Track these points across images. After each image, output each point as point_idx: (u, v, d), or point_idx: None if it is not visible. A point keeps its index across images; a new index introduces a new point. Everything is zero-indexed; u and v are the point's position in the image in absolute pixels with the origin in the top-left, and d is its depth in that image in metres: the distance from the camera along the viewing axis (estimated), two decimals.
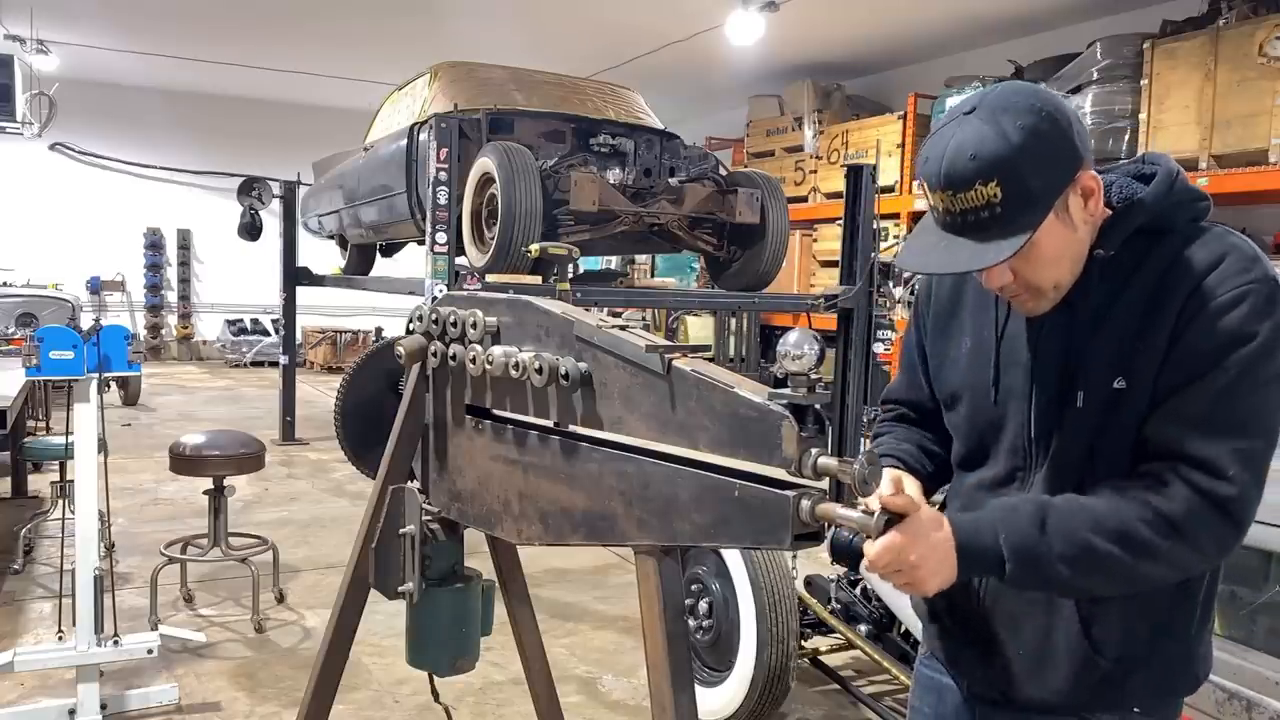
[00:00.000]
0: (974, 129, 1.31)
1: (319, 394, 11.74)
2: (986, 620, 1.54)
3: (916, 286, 1.75)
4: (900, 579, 1.33)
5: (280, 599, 4.77)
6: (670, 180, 5.87)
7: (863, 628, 3.70)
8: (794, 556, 3.42)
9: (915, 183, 8.29)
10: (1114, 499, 1.35)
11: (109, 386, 3.94)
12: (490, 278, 5.38)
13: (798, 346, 1.26)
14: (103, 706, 3.43)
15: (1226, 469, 1.31)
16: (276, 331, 12.90)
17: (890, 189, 8.36)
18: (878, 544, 1.29)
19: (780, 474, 1.29)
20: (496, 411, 1.83)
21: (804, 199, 9.48)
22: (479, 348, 1.79)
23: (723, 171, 6.28)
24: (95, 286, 13.29)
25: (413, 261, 7.43)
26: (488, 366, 1.74)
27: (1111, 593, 1.41)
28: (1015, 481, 1.51)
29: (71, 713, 3.39)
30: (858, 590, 3.87)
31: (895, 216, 8.25)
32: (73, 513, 3.79)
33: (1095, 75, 6.72)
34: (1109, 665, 1.44)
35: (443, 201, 5.54)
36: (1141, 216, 1.41)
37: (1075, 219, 1.37)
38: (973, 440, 1.58)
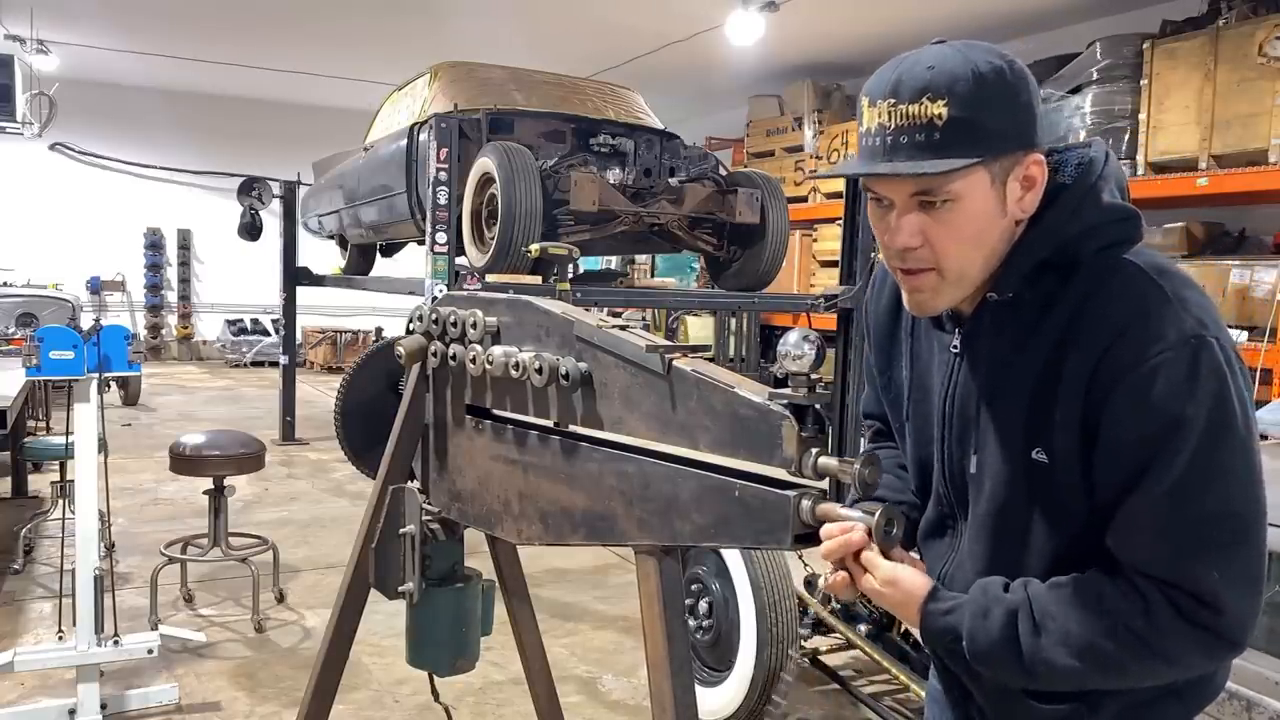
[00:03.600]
0: (938, 51, 1.20)
1: (319, 394, 11.73)
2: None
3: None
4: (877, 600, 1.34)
5: (280, 599, 4.77)
6: (670, 180, 5.87)
7: (863, 628, 3.70)
8: (799, 556, 3.42)
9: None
10: (1092, 608, 1.19)
11: (109, 386, 3.94)
12: (490, 278, 5.38)
13: (798, 346, 1.26)
14: (103, 706, 3.43)
15: (1214, 595, 1.14)
16: (276, 331, 12.90)
17: None
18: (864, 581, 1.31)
19: (780, 474, 1.29)
20: (496, 411, 1.83)
21: (804, 199, 9.48)
22: (479, 348, 1.79)
23: (723, 171, 6.28)
24: (95, 286, 13.31)
25: (413, 261, 7.43)
26: (488, 366, 1.74)
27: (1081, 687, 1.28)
28: (946, 532, 1.43)
29: (71, 713, 3.39)
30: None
31: None
32: (73, 513, 3.79)
33: (1095, 75, 6.72)
34: (1066, 709, 1.31)
35: (443, 201, 5.54)
36: (1041, 248, 1.24)
37: (1009, 203, 1.22)
38: (917, 474, 1.48)
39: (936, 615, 1.29)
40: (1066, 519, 1.25)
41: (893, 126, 1.19)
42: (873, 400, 1.64)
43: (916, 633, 1.33)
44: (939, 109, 1.16)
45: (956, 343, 1.34)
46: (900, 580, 1.30)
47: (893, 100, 1.18)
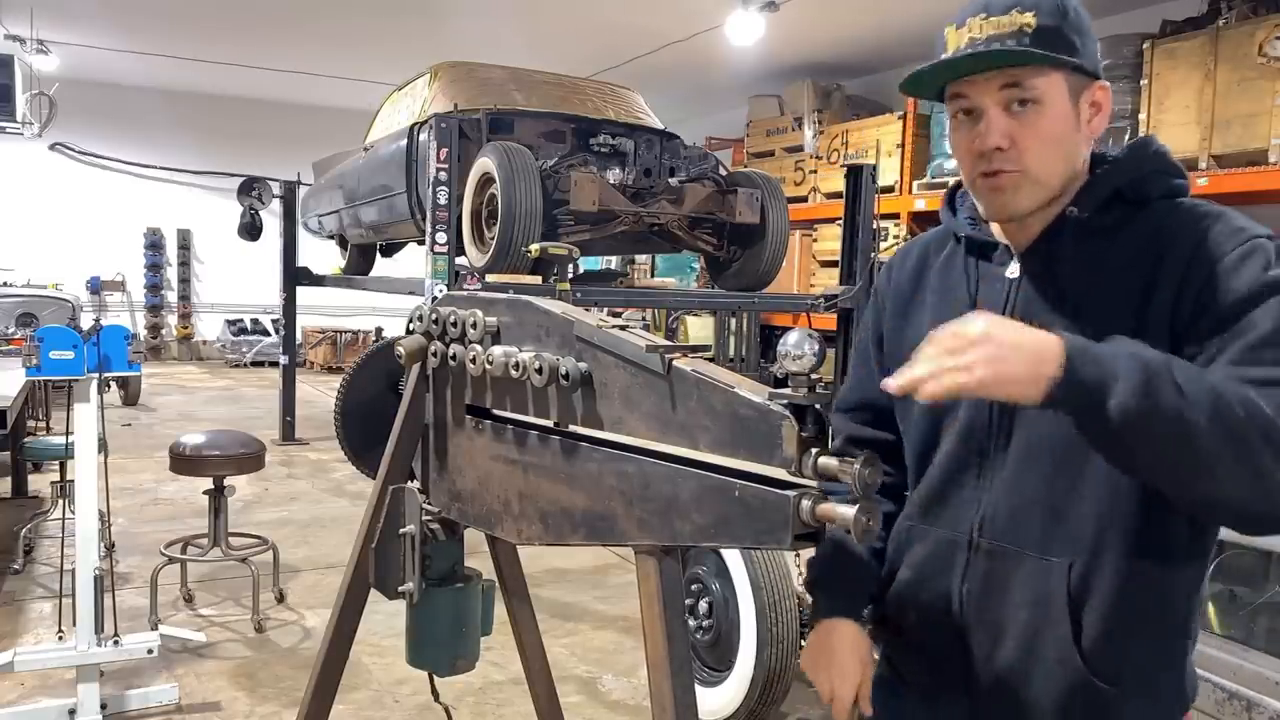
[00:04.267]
0: None
1: (319, 394, 11.74)
2: (963, 633, 1.42)
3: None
4: (965, 363, 1.13)
5: (280, 599, 4.77)
6: (670, 180, 5.87)
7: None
8: (795, 556, 3.42)
9: (915, 182, 8.28)
10: (1235, 387, 1.15)
11: (109, 386, 3.94)
12: (490, 278, 5.38)
13: (798, 346, 1.26)
14: (103, 706, 3.43)
15: None
16: (276, 331, 12.90)
17: (890, 189, 8.35)
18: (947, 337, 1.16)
19: (780, 474, 1.29)
20: (496, 411, 1.83)
21: (804, 199, 9.48)
22: (479, 348, 1.79)
23: (723, 171, 6.28)
24: (95, 286, 13.32)
25: (413, 261, 7.43)
26: (488, 366, 1.74)
27: (1197, 468, 1.14)
28: (971, 469, 1.40)
29: (71, 713, 3.39)
30: None
31: (895, 216, 8.25)
32: (73, 513, 3.79)
33: None
34: (1104, 687, 1.32)
35: (443, 201, 5.54)
36: (1118, 178, 1.36)
37: (1081, 120, 1.34)
38: (925, 431, 1.47)
39: (1082, 357, 1.14)
40: None
41: (984, 36, 1.31)
42: (856, 385, 1.65)
43: (1034, 384, 1.12)
44: (1028, 19, 1.29)
45: (1015, 268, 1.40)
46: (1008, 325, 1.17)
47: (984, 14, 1.31)
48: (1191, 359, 1.22)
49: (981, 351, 1.12)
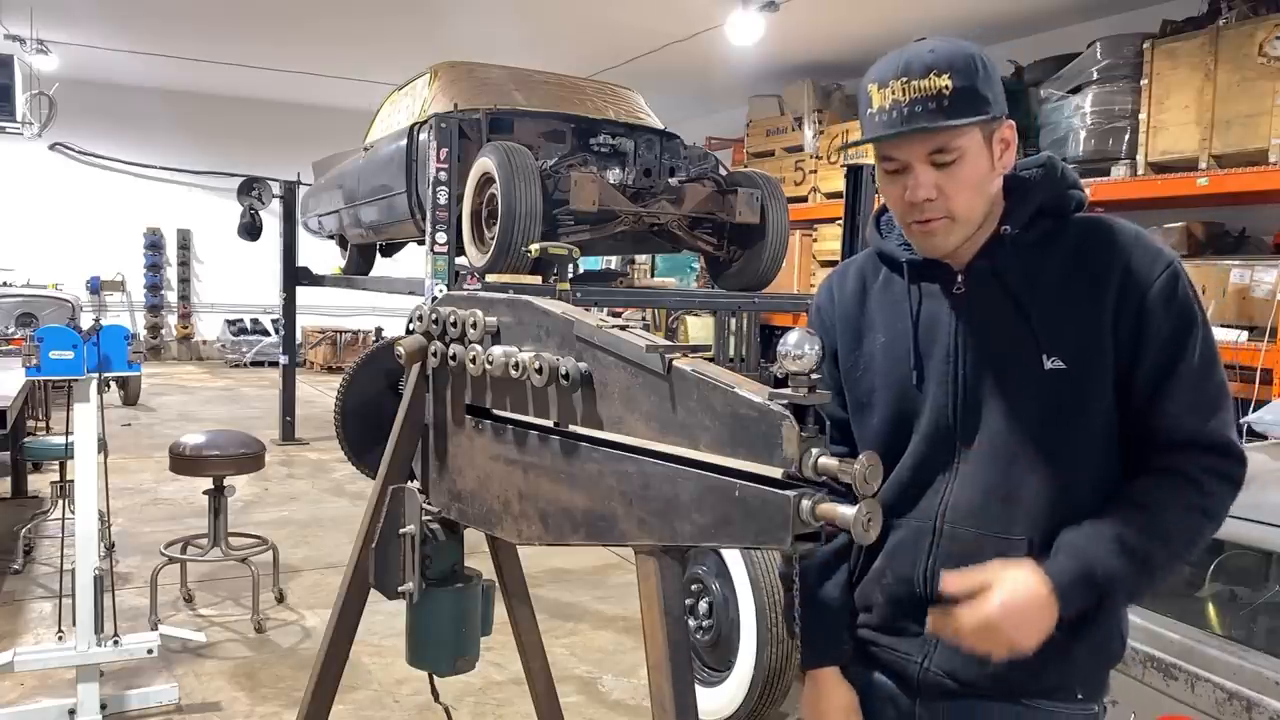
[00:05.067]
0: (930, 42, 1.44)
1: (319, 394, 11.74)
2: (924, 603, 1.52)
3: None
4: (995, 642, 1.39)
5: (280, 599, 4.77)
6: (670, 180, 5.86)
7: None
8: (795, 557, 3.42)
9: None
10: (1168, 509, 1.43)
11: (109, 386, 3.94)
12: (490, 278, 5.38)
13: (798, 346, 1.26)
14: (103, 706, 3.43)
15: (1231, 443, 1.44)
16: (276, 331, 12.91)
17: None
18: (972, 620, 1.39)
19: (780, 474, 1.29)
20: (496, 411, 1.83)
21: (804, 199, 9.48)
22: (479, 348, 1.79)
23: (723, 171, 6.28)
24: (95, 286, 13.28)
25: (413, 261, 7.43)
26: (488, 366, 1.74)
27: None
28: (937, 468, 1.54)
29: (71, 713, 3.39)
30: None
31: None
32: (73, 513, 3.79)
33: (1095, 75, 6.72)
34: (1046, 651, 1.42)
35: (443, 201, 5.54)
36: (1040, 195, 1.51)
37: (994, 158, 1.47)
38: (888, 438, 1.57)
39: (1052, 568, 1.41)
40: (1075, 425, 1.45)
41: (907, 100, 1.42)
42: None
43: (1052, 619, 1.39)
44: (945, 81, 1.40)
45: (960, 283, 1.53)
46: (1007, 583, 1.40)
47: (905, 78, 1.42)
48: (1130, 369, 1.45)
49: (1008, 637, 1.39)
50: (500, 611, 2.09)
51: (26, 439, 6.05)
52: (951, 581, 1.42)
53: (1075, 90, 6.89)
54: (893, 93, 1.43)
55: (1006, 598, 1.37)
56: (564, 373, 1.59)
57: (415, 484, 1.98)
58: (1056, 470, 1.46)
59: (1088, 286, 1.45)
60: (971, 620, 1.38)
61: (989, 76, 1.45)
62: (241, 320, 15.63)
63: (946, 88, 1.40)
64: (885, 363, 1.58)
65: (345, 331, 15.11)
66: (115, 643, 3.42)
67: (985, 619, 1.37)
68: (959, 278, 1.54)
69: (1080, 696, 1.50)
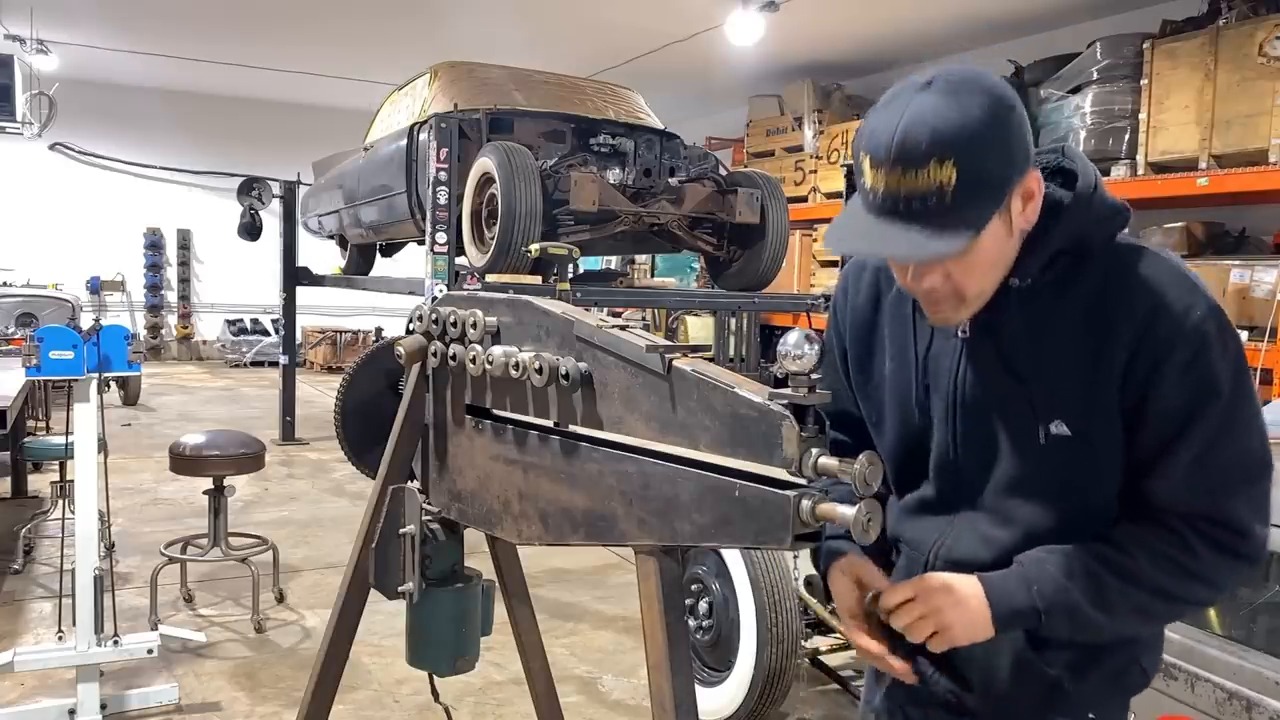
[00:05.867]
0: (932, 103, 1.18)
1: (319, 394, 11.74)
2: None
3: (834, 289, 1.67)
4: (925, 628, 1.34)
5: (280, 599, 4.77)
6: (670, 180, 5.87)
7: None
8: (794, 556, 3.42)
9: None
10: (1140, 551, 1.32)
11: (109, 386, 3.94)
12: (490, 278, 5.38)
13: (798, 346, 1.26)
14: (103, 706, 3.43)
15: (1246, 524, 1.29)
16: (276, 331, 12.91)
17: None
18: (897, 590, 1.34)
19: (780, 474, 1.29)
20: (496, 411, 1.83)
21: (804, 199, 9.48)
22: (479, 348, 1.79)
23: (723, 171, 6.28)
24: (95, 286, 13.29)
25: (413, 261, 7.43)
26: (488, 366, 1.74)
27: (1140, 632, 1.42)
28: (941, 510, 1.46)
29: (71, 713, 3.39)
30: None
31: None
32: (73, 513, 3.79)
33: (1095, 75, 6.72)
34: (1058, 672, 1.39)
35: (443, 201, 5.54)
36: (1061, 239, 1.31)
37: (1014, 221, 1.28)
38: (900, 460, 1.51)
39: (995, 580, 1.34)
40: (1077, 489, 1.35)
41: (902, 193, 1.19)
42: (837, 396, 1.62)
43: (985, 628, 1.34)
44: (948, 173, 1.17)
45: (965, 326, 1.38)
46: (949, 586, 1.34)
47: (900, 167, 1.18)
48: (1133, 435, 1.30)
49: (942, 627, 1.33)
50: (500, 611, 2.09)
51: (26, 439, 6.05)
52: (892, 595, 1.37)
53: (1075, 90, 6.89)
54: (885, 179, 1.20)
55: (931, 582, 1.34)
56: (564, 373, 1.59)
57: (415, 484, 1.98)
58: (1062, 536, 1.36)
59: (1102, 340, 1.29)
60: (895, 598, 1.35)
61: (1004, 144, 1.20)
62: (241, 320, 15.63)
63: (949, 181, 1.17)
64: (893, 390, 1.50)
65: (345, 331, 15.11)
66: (115, 643, 3.42)
67: (906, 594, 1.34)
68: (965, 321, 1.39)
69: (1092, 716, 1.43)
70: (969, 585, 1.34)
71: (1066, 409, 1.31)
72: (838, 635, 3.76)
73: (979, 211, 1.21)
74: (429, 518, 1.94)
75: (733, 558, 3.44)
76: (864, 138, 1.23)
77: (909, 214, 1.20)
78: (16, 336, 7.62)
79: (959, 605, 1.32)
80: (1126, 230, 1.36)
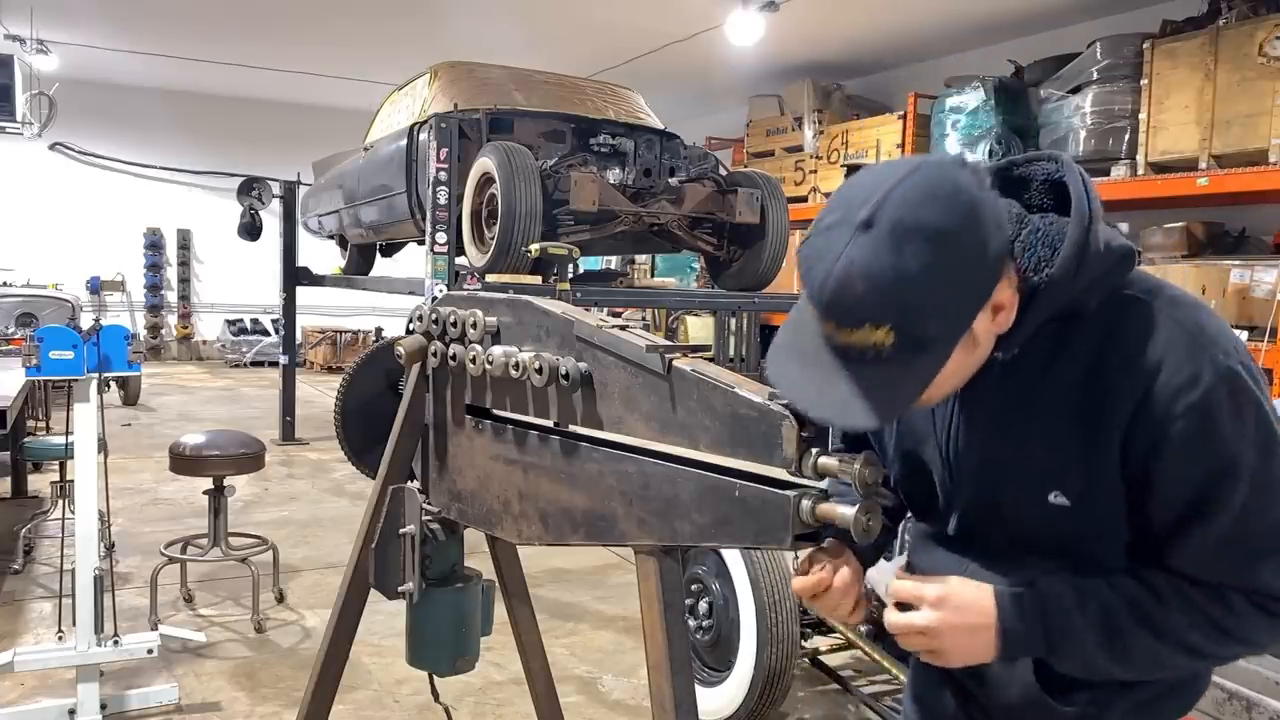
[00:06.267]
0: (869, 253, 1.04)
1: (319, 394, 11.74)
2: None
3: None
4: (923, 645, 1.27)
5: (280, 599, 4.77)
6: (670, 180, 5.87)
7: (863, 627, 3.70)
8: (794, 557, 3.42)
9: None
10: (1175, 600, 1.20)
11: (109, 386, 3.94)
12: (490, 278, 5.38)
13: None
14: (103, 706, 3.43)
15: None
16: (276, 331, 12.91)
17: None
18: (899, 618, 1.26)
19: (780, 474, 1.29)
20: (496, 411, 1.83)
21: (804, 199, 9.48)
22: (479, 348, 1.79)
23: (723, 171, 6.28)
24: (95, 286, 13.29)
25: (413, 261, 7.43)
26: (488, 366, 1.74)
27: (1155, 676, 1.30)
28: (959, 548, 1.39)
29: (71, 713, 3.39)
30: None
31: None
32: (73, 513, 3.79)
33: (1095, 75, 6.72)
34: (1076, 710, 1.31)
35: (443, 201, 5.54)
36: (1049, 307, 1.19)
37: (981, 337, 1.16)
38: (908, 490, 1.47)
39: (1008, 605, 1.23)
40: (1085, 550, 1.26)
41: (839, 343, 1.11)
42: None
43: (986, 652, 1.24)
44: (883, 335, 1.06)
45: (952, 398, 1.30)
46: (953, 595, 1.24)
47: (833, 321, 1.09)
48: (1144, 506, 1.20)
49: (939, 651, 1.25)
50: (500, 611, 2.09)
51: (26, 439, 6.05)
52: (901, 590, 1.28)
53: (1075, 90, 6.89)
54: (819, 320, 1.11)
55: (950, 601, 1.24)
56: (564, 373, 1.59)
57: (415, 484, 1.98)
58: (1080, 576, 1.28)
59: (1097, 412, 1.18)
60: (898, 621, 1.27)
61: (954, 286, 1.07)
62: (241, 320, 15.63)
63: (885, 342, 1.06)
64: (895, 437, 1.45)
65: (345, 331, 15.11)
66: (115, 643, 3.42)
67: (909, 623, 1.26)
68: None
69: None
70: (983, 615, 1.23)
71: (1064, 481, 1.22)
72: (838, 635, 3.77)
73: (922, 370, 1.11)
74: (429, 518, 1.94)
75: (733, 558, 3.44)
76: (801, 260, 1.13)
77: (846, 358, 1.11)
78: (16, 336, 7.62)
79: (968, 634, 1.24)
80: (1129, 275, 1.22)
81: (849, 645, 3.73)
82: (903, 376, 1.11)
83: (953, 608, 1.24)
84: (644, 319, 9.43)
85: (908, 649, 1.29)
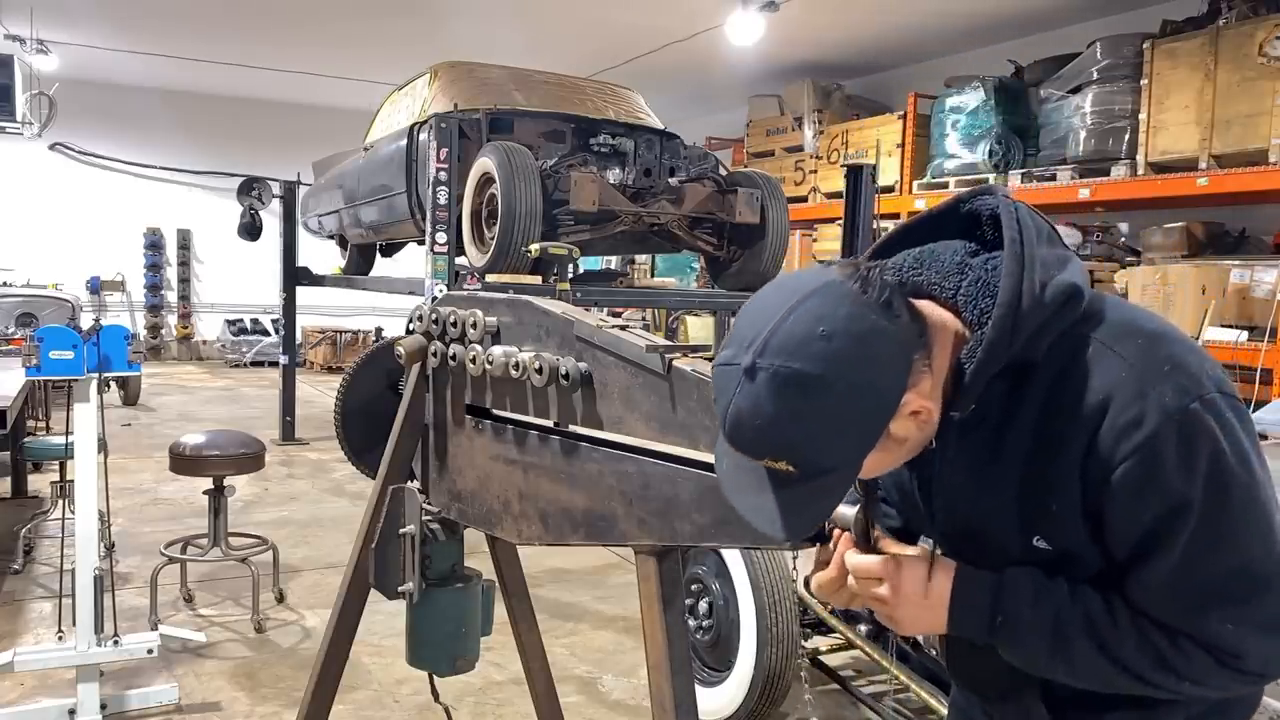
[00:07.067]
0: (752, 402, 1.08)
1: (319, 394, 11.74)
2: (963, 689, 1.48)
3: None
4: (877, 610, 1.27)
5: (280, 599, 4.77)
6: (670, 180, 5.87)
7: (863, 627, 3.70)
8: (794, 556, 3.42)
9: (915, 182, 8.30)
10: (1130, 629, 1.18)
11: (109, 386, 3.94)
12: (490, 278, 5.38)
13: None
14: (103, 706, 3.43)
15: (1235, 646, 1.14)
16: (276, 331, 12.91)
17: (890, 189, 8.37)
18: (857, 560, 1.25)
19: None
20: (496, 411, 1.83)
21: (804, 199, 9.49)
22: (479, 348, 1.79)
23: (723, 171, 6.28)
24: (95, 286, 13.29)
25: (413, 261, 7.43)
26: (488, 366, 1.74)
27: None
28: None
29: (71, 713, 3.39)
30: None
31: (895, 216, 8.25)
32: (73, 513, 3.79)
33: (1095, 75, 6.72)
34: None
35: (443, 201, 5.54)
36: (993, 367, 1.17)
37: (906, 435, 1.16)
38: (900, 508, 1.46)
39: (965, 577, 1.24)
40: (1072, 581, 1.24)
41: (753, 464, 1.15)
42: None
43: (937, 623, 1.25)
44: (785, 466, 1.11)
45: (932, 444, 1.28)
46: (920, 587, 1.24)
47: (741, 451, 1.14)
48: (1099, 533, 1.19)
49: (889, 613, 1.26)
50: (500, 611, 2.09)
51: (26, 439, 6.04)
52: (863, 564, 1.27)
53: (1075, 90, 6.89)
54: (730, 448, 1.15)
55: (908, 574, 1.23)
56: (564, 373, 1.59)
57: (415, 484, 1.98)
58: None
59: (1053, 459, 1.17)
60: (856, 563, 1.25)
61: (846, 422, 1.09)
62: (241, 320, 15.63)
63: (790, 471, 1.11)
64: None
65: (345, 331, 15.11)
66: (115, 643, 3.42)
67: (878, 573, 1.24)
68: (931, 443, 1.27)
69: None
70: (939, 595, 1.24)
71: (1042, 528, 1.21)
72: (838, 635, 3.76)
73: (834, 487, 1.14)
74: (429, 518, 1.94)
75: (733, 558, 3.44)
76: (712, 386, 1.16)
77: (769, 473, 1.14)
78: (16, 336, 7.62)
79: (921, 608, 1.24)
80: (1080, 312, 1.19)
81: (849, 645, 3.73)
82: (817, 493, 1.14)
83: (913, 584, 1.24)
84: (644, 319, 9.44)
85: (859, 605, 1.30)
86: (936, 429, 1.21)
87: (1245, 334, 5.55)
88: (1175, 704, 1.26)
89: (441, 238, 5.53)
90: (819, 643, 3.88)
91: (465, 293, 2.10)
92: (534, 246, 5.15)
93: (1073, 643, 1.19)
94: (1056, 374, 1.18)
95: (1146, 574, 1.16)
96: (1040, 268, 1.17)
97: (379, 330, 14.26)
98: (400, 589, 1.91)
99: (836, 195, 7.73)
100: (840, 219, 6.04)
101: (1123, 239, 7.25)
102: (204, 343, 15.75)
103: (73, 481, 3.68)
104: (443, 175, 5.51)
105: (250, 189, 10.00)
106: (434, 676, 2.05)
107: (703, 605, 3.58)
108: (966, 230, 1.28)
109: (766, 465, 1.13)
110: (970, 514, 1.28)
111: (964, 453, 1.25)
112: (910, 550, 1.27)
